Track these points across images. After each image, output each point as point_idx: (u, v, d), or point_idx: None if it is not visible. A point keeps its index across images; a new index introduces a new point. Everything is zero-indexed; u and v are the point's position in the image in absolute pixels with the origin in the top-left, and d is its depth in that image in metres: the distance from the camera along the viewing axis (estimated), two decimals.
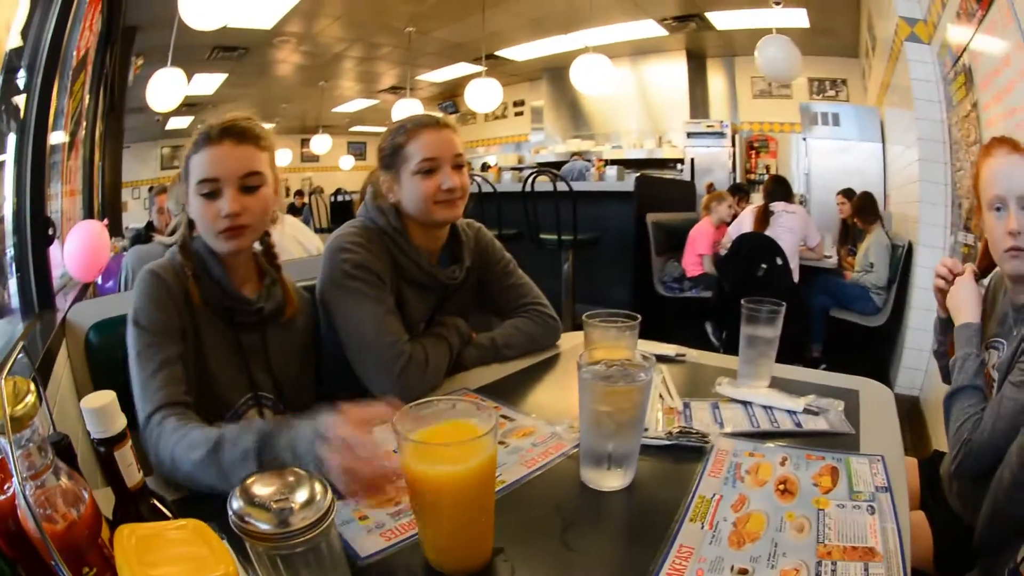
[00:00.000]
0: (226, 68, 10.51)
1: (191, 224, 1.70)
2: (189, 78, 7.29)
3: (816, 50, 10.33)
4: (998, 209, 1.73)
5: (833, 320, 5.95)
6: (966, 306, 1.90)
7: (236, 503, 0.79)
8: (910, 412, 4.79)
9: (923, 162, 5.22)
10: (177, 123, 12.59)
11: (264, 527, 0.78)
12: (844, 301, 6.00)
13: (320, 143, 15.47)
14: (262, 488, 0.82)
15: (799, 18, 9.14)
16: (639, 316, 1.78)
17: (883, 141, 8.15)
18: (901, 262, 5.64)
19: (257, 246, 1.81)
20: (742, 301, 1.85)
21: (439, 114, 2.07)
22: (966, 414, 1.73)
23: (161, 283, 1.60)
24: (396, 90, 13.47)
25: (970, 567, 1.60)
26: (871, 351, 6.02)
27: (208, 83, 11.01)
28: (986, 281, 2.00)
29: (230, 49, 9.57)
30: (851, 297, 5.96)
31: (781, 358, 1.97)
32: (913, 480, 2.07)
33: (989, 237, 1.78)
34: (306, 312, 1.93)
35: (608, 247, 6.34)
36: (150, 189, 9.96)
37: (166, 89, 6.97)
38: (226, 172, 1.61)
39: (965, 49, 4.03)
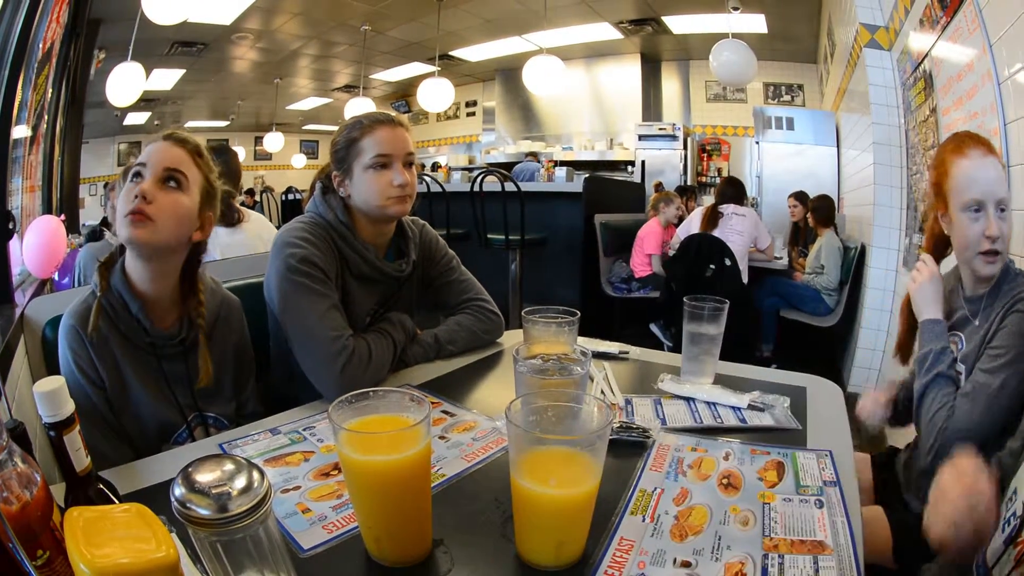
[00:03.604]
0: (185, 64, 10.52)
1: (112, 259, 1.71)
2: (148, 73, 7.29)
3: (774, 55, 10.48)
4: (975, 211, 1.74)
5: (785, 321, 6.02)
6: (934, 302, 1.93)
7: (178, 490, 0.79)
8: None
9: (878, 166, 5.34)
10: (135, 119, 12.51)
11: (204, 513, 0.77)
12: (794, 302, 6.06)
13: (273, 141, 15.43)
14: (203, 475, 0.81)
15: (758, 24, 9.24)
16: (578, 312, 1.77)
17: (838, 145, 8.27)
18: (854, 264, 5.72)
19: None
20: (685, 299, 1.85)
21: (394, 112, 2.07)
22: (940, 403, 1.76)
23: (78, 338, 1.62)
24: (350, 89, 13.50)
25: (929, 559, 1.60)
26: (824, 351, 6.11)
27: (167, 79, 11.04)
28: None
29: (189, 44, 9.57)
30: (801, 298, 6.03)
31: (731, 357, 2.00)
32: (868, 475, 2.11)
33: (959, 236, 1.80)
34: (235, 321, 1.92)
35: (556, 248, 6.37)
36: (105, 185, 9.83)
37: (125, 84, 6.94)
38: (152, 161, 1.64)
39: (926, 55, 4.11)
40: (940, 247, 2.00)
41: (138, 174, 1.63)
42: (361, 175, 1.96)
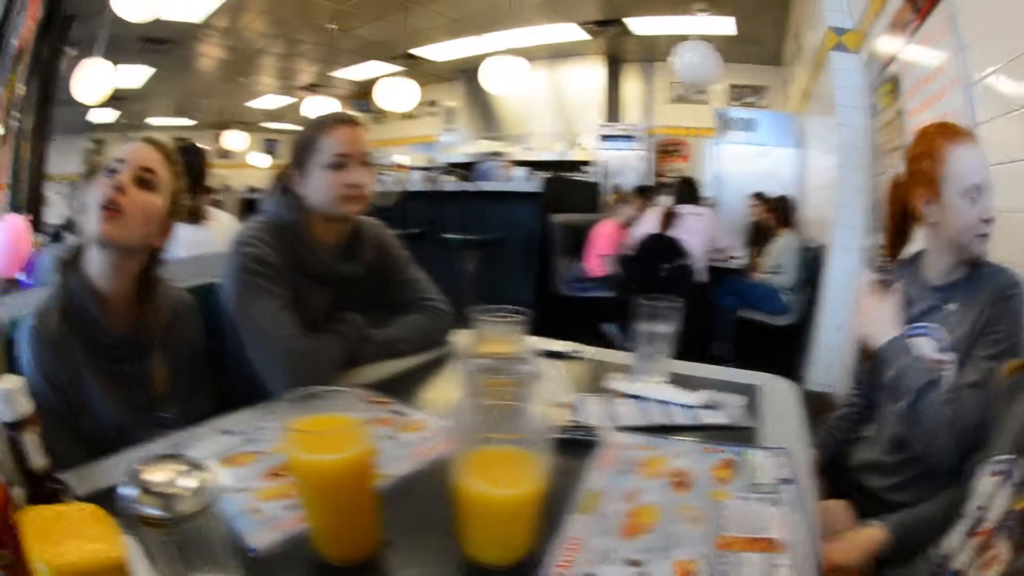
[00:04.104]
0: (154, 62, 10.43)
1: (73, 259, 1.71)
2: (118, 70, 7.23)
3: (740, 57, 10.52)
4: (973, 198, 1.78)
5: (744, 320, 6.07)
6: (896, 320, 1.94)
7: (127, 490, 0.80)
8: (824, 408, 4.90)
9: (842, 167, 5.43)
10: (103, 116, 12.36)
11: (153, 512, 0.79)
12: (752, 301, 6.10)
13: (235, 140, 15.33)
14: (151, 475, 0.82)
15: (727, 26, 9.29)
16: (527, 311, 1.75)
17: (801, 147, 8.36)
18: (813, 264, 5.81)
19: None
20: (638, 298, 1.86)
21: (354, 113, 2.08)
22: (939, 405, 1.73)
23: (38, 338, 1.63)
24: (313, 87, 13.38)
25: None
26: (783, 350, 6.15)
27: (136, 76, 10.95)
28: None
29: (159, 42, 9.47)
30: (759, 297, 6.08)
31: (688, 357, 2.01)
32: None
33: (956, 221, 1.81)
34: (189, 322, 1.94)
35: (513, 247, 6.40)
36: (71, 184, 9.73)
37: (94, 80, 6.89)
38: (130, 159, 1.69)
39: (894, 58, 4.20)
40: (901, 239, 2.06)
41: (114, 170, 1.65)
42: (318, 174, 1.97)
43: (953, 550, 1.33)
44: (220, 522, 0.87)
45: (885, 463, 1.97)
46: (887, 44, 4.40)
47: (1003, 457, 1.25)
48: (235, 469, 1.34)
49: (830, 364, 5.48)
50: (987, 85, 2.69)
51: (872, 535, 1.65)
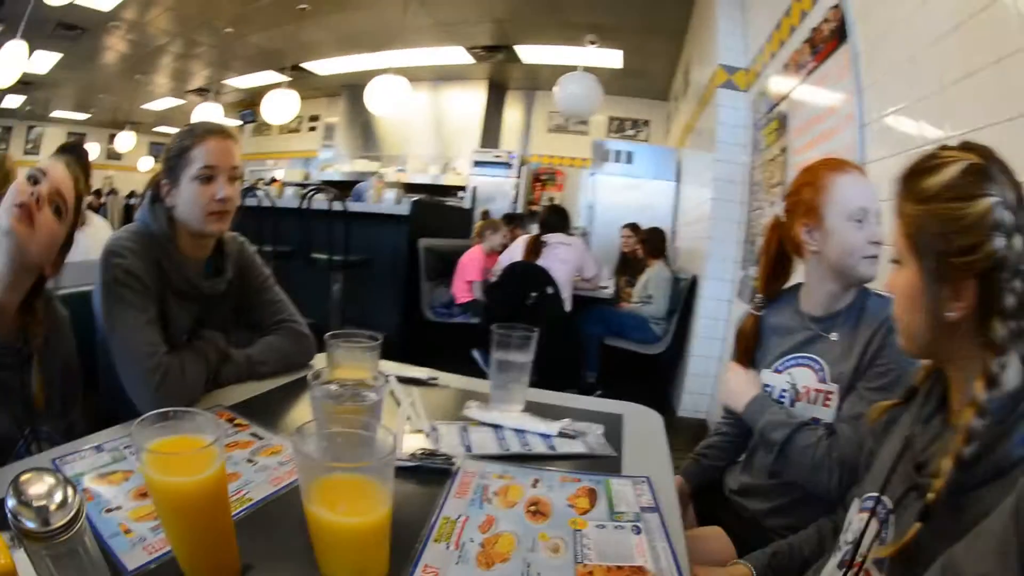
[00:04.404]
0: (63, 48, 10.21)
1: None
2: (30, 54, 7.00)
3: (625, 91, 10.82)
4: (858, 220, 1.81)
5: (615, 349, 6.12)
6: (751, 385, 1.99)
7: (10, 501, 0.82)
8: (698, 434, 5.01)
9: (716, 200, 5.61)
10: (8, 102, 12.02)
11: (32, 526, 0.81)
12: (620, 330, 6.16)
13: (125, 140, 14.92)
14: (31, 487, 0.84)
15: (614, 59, 9.47)
16: (380, 337, 1.76)
17: (678, 180, 8.58)
18: (684, 294, 5.94)
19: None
20: (493, 326, 1.85)
21: (227, 123, 2.05)
22: (810, 441, 1.77)
23: None
24: (203, 92, 13.26)
25: None
26: (654, 378, 6.30)
27: (45, 61, 10.78)
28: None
29: (71, 28, 9.25)
30: (627, 327, 6.16)
31: (555, 385, 2.01)
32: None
33: (841, 243, 1.83)
34: (63, 334, 1.84)
35: (380, 270, 6.35)
36: None
37: (8, 62, 6.64)
38: (50, 179, 1.60)
39: (785, 97, 4.33)
40: (776, 276, 2.09)
41: (36, 180, 1.57)
42: (188, 185, 1.92)
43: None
44: (88, 539, 0.87)
45: (763, 487, 1.99)
46: (779, 84, 4.53)
47: (871, 494, 1.27)
48: (107, 487, 1.30)
49: (703, 391, 5.67)
50: (883, 125, 2.80)
51: (741, 573, 1.65)
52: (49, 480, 0.84)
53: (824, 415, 1.84)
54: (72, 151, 1.61)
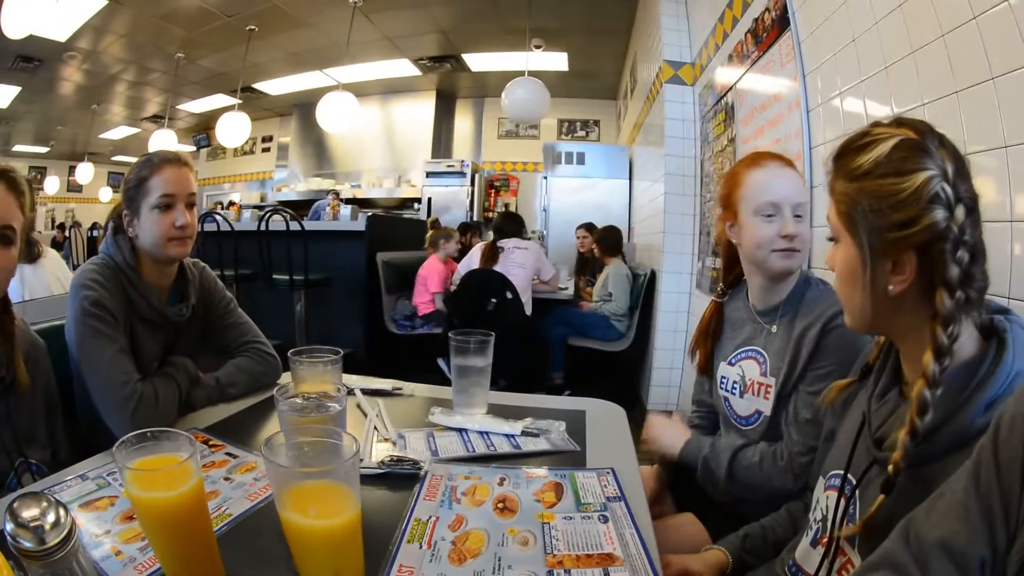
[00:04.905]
0: (21, 80, 10.14)
1: None
2: None
3: (572, 92, 10.85)
4: (769, 215, 1.83)
5: (580, 348, 6.14)
6: (681, 432, 2.06)
7: (8, 525, 0.84)
8: None
9: (669, 195, 5.65)
10: None
11: (29, 545, 0.83)
12: (583, 330, 6.20)
13: (84, 172, 14.58)
14: (26, 510, 0.86)
15: (559, 62, 9.51)
16: (341, 352, 1.81)
17: (630, 178, 8.64)
18: (643, 289, 5.98)
19: None
20: (450, 333, 1.91)
21: (181, 148, 2.07)
22: (756, 455, 1.83)
23: None
24: (157, 119, 13.00)
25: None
26: (620, 374, 6.34)
27: (3, 96, 10.70)
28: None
29: (29, 60, 9.17)
30: (590, 325, 6.20)
31: (523, 388, 2.04)
32: (654, 486, 2.20)
33: (750, 238, 1.87)
34: (42, 366, 1.86)
35: (340, 287, 6.34)
36: None
37: None
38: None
39: (731, 88, 4.38)
40: (730, 269, 2.11)
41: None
42: (148, 215, 1.96)
43: (803, 557, 1.38)
44: (82, 557, 0.89)
45: None
46: (725, 75, 4.57)
47: (836, 472, 1.30)
48: (95, 514, 1.32)
49: (669, 384, 5.71)
50: (830, 108, 2.82)
51: (716, 557, 1.67)
52: (42, 503, 0.87)
53: (765, 408, 1.89)
54: (2, 176, 1.60)
